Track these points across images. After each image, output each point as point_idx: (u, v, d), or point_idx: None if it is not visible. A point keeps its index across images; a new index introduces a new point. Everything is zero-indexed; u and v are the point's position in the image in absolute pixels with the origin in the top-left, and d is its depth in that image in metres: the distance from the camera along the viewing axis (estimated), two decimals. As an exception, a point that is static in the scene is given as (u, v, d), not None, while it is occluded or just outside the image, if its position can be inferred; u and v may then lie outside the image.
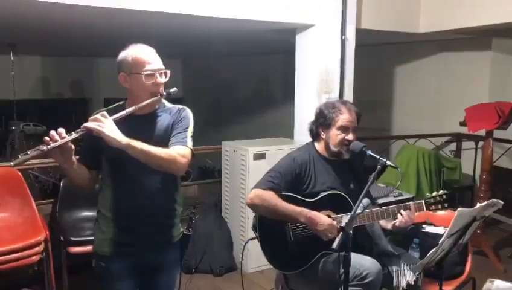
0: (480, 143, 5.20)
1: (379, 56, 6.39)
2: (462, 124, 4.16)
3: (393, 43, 6.18)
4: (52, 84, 10.21)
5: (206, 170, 8.15)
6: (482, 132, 4.13)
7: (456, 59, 5.65)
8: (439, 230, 2.83)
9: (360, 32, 4.16)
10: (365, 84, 4.49)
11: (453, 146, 5.66)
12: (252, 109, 9.09)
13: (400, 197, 3.76)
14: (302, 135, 4.15)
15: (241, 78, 9.28)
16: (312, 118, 2.52)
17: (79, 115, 9.36)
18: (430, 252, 1.94)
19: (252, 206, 2.34)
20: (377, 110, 6.42)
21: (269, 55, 8.14)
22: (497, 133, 4.12)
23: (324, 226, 2.22)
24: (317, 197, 2.35)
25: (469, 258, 2.80)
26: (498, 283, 2.46)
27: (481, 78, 5.33)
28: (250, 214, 3.82)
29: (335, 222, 2.24)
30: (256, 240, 2.46)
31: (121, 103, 2.05)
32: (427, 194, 2.35)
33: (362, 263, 2.24)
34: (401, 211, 2.28)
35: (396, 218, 2.28)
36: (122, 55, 1.95)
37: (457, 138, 5.52)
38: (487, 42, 5.25)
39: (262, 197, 2.29)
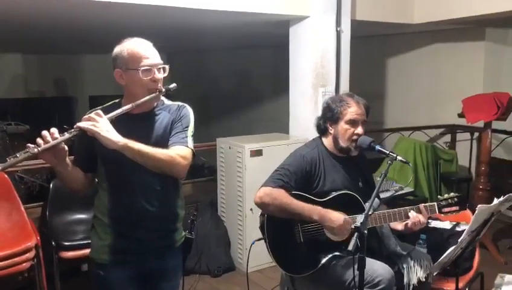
0: (476, 134, 5.17)
1: (371, 48, 6.30)
2: (461, 115, 4.11)
3: (386, 35, 6.10)
4: (33, 82, 9.91)
5: (196, 167, 7.99)
6: (478, 123, 4.09)
7: (449, 50, 5.59)
8: (445, 225, 2.78)
9: (354, 24, 4.08)
10: (357, 77, 4.40)
11: (447, 138, 5.62)
12: (241, 104, 8.96)
13: (401, 192, 3.69)
14: (297, 130, 4.05)
15: (230, 73, 9.13)
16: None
17: (62, 114, 9.12)
18: (448, 251, 1.87)
19: (261, 205, 2.23)
20: (370, 102, 6.32)
21: (258, 50, 8.01)
22: (492, 124, 4.08)
23: (339, 222, 2.14)
24: (328, 197, 2.26)
25: (477, 253, 2.74)
26: (509, 277, 2.42)
27: (475, 69, 5.28)
28: (248, 212, 3.75)
29: (349, 218, 2.16)
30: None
31: (116, 100, 1.92)
32: (439, 196, 2.29)
33: (375, 268, 2.15)
34: (413, 212, 2.21)
35: (408, 218, 2.21)
36: (117, 50, 1.82)
37: (452, 129, 5.48)
38: (480, 32, 5.20)
39: (272, 196, 2.18)
